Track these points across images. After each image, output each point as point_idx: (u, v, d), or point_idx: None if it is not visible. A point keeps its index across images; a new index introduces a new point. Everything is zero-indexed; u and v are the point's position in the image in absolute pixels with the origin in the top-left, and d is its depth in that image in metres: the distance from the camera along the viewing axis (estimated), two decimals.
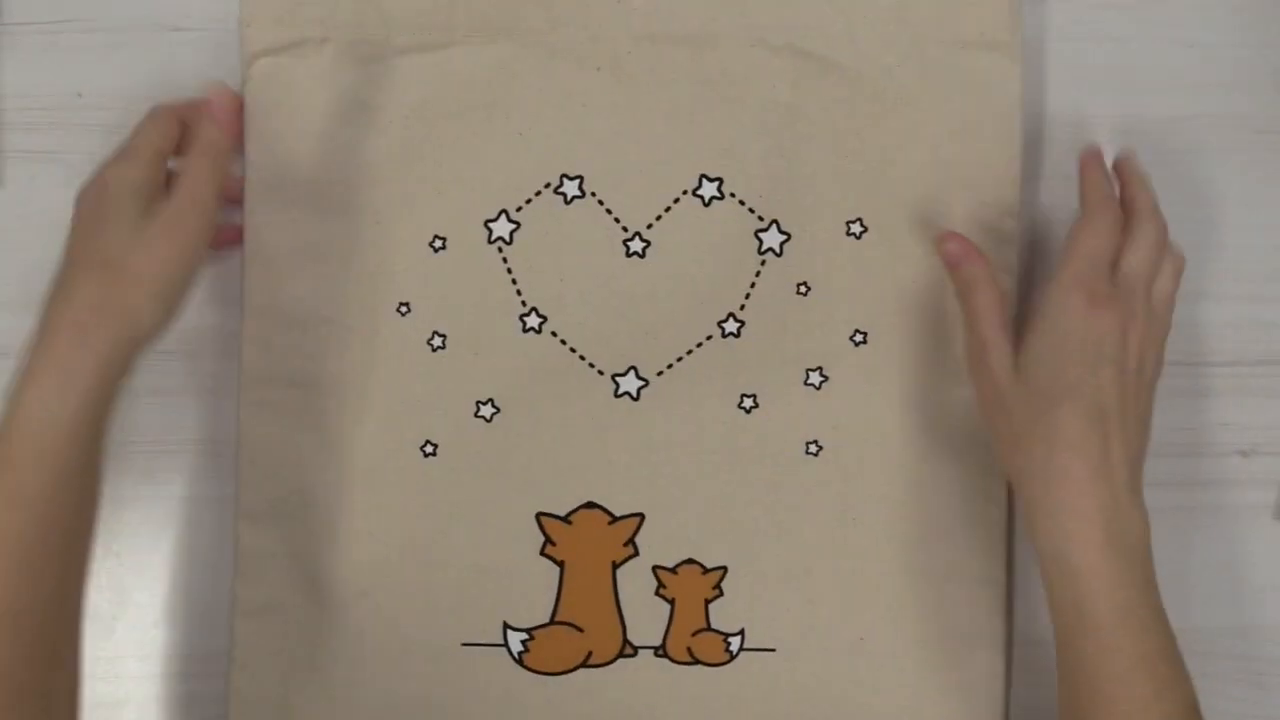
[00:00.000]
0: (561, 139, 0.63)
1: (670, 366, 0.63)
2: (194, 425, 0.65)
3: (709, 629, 0.64)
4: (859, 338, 0.63)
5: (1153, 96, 0.67)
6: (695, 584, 0.64)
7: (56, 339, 0.54)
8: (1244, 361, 0.66)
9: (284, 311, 0.63)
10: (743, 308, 0.63)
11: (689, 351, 0.63)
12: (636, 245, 0.63)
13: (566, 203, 0.63)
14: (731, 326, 0.63)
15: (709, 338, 0.63)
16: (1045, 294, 0.57)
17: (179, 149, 0.60)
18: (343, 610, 0.63)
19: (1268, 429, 0.67)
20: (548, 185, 0.63)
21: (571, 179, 0.63)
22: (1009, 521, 0.64)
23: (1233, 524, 0.66)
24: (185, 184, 0.58)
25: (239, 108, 0.61)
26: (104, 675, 0.64)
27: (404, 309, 0.63)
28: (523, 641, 0.63)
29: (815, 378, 0.63)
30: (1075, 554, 0.54)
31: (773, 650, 0.64)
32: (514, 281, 0.63)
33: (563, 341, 0.63)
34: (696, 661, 0.64)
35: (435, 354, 0.63)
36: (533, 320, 0.63)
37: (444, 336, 0.63)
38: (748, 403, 0.63)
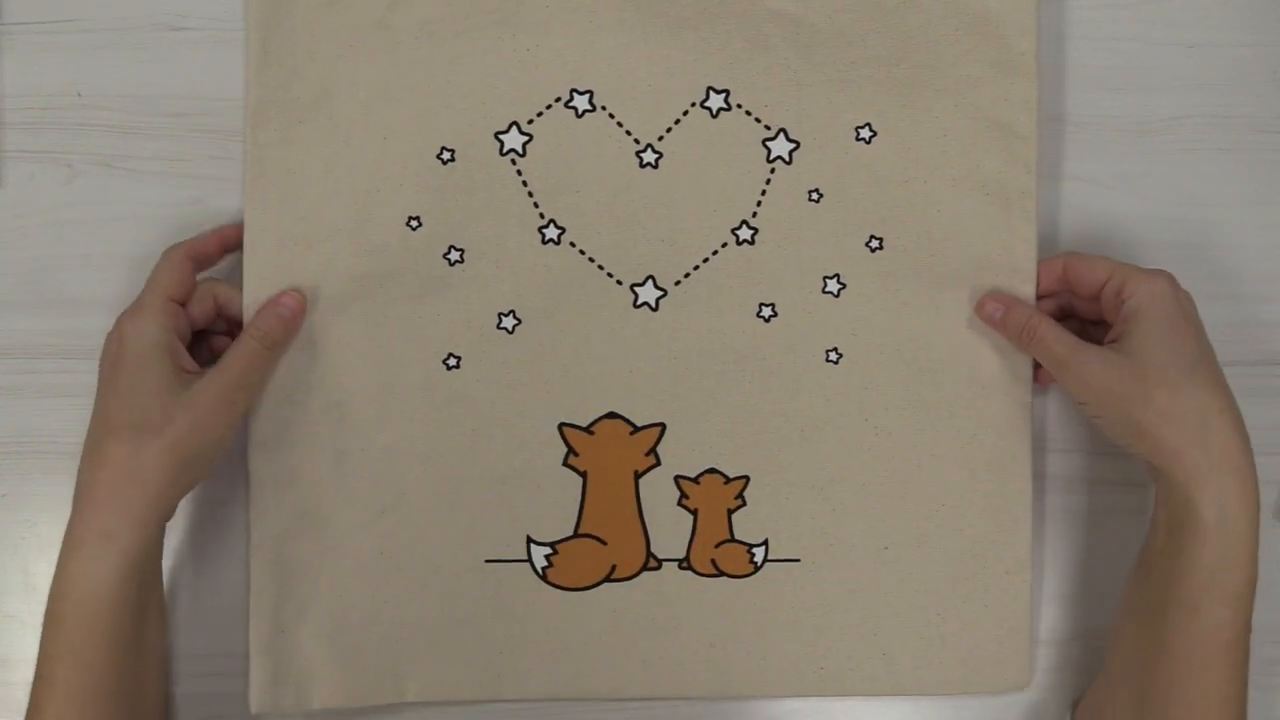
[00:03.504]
0: (570, 53, 0.63)
1: (687, 275, 0.64)
2: None
3: (732, 540, 0.64)
4: (874, 243, 0.64)
5: (1153, 96, 0.67)
6: (718, 493, 0.64)
7: (92, 502, 0.56)
8: (1244, 361, 0.66)
9: (286, 227, 0.62)
10: (755, 215, 0.64)
11: (705, 260, 0.64)
12: (649, 156, 0.63)
13: (578, 116, 0.63)
14: (745, 234, 0.63)
15: (724, 245, 0.64)
16: (1124, 290, 0.60)
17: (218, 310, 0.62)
18: (362, 531, 0.63)
19: (1268, 429, 0.67)
20: (558, 99, 0.63)
21: (581, 93, 0.63)
22: (1032, 432, 0.65)
23: None
24: (234, 362, 0.59)
25: (303, 308, 0.62)
26: None
27: (414, 223, 0.63)
28: (546, 556, 0.63)
29: (833, 285, 0.64)
30: (1242, 517, 0.56)
31: (797, 561, 0.64)
32: (530, 194, 0.63)
33: (581, 252, 0.63)
34: (720, 573, 0.64)
35: (453, 267, 0.63)
36: (551, 232, 0.63)
37: (461, 250, 0.63)
38: (766, 311, 0.64)
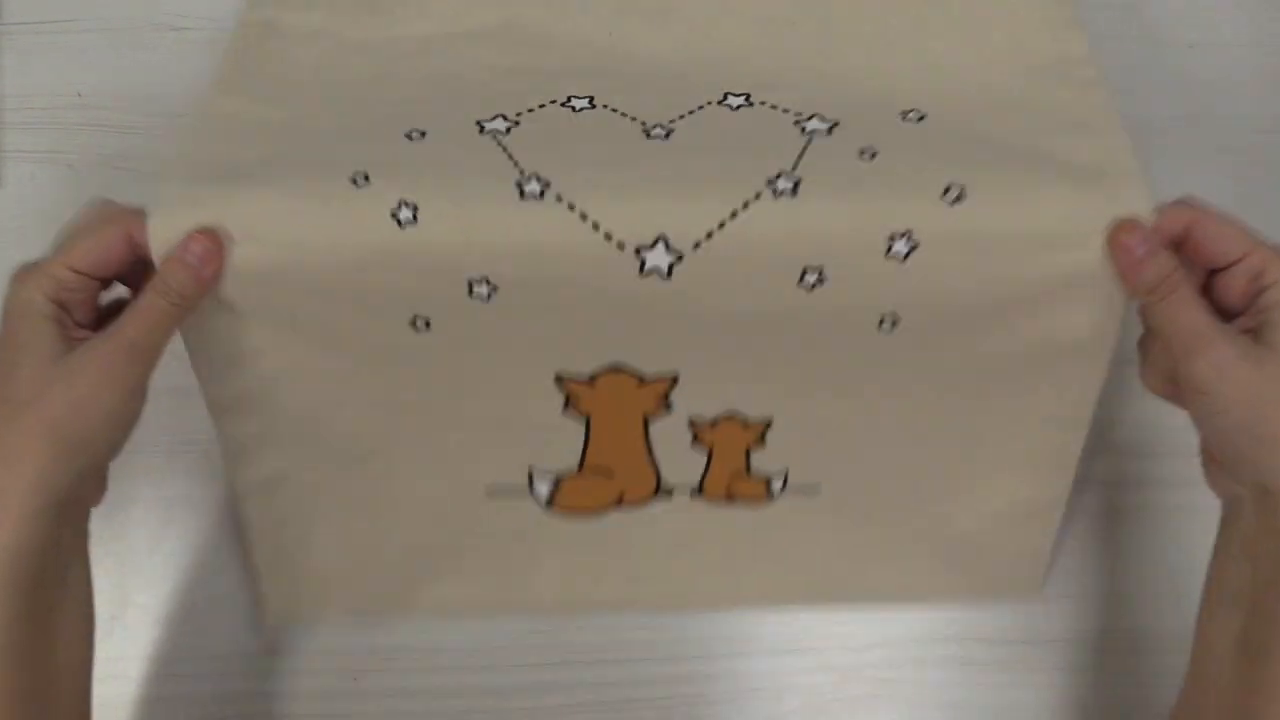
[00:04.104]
0: (566, 72, 0.57)
1: (710, 235, 0.49)
2: (193, 426, 0.65)
3: (749, 473, 0.59)
4: (954, 193, 0.49)
5: (1153, 96, 0.67)
6: (735, 436, 0.57)
7: None
8: None
9: (209, 180, 0.50)
10: (795, 167, 0.50)
11: (733, 214, 0.49)
12: (658, 132, 0.53)
13: (575, 113, 0.55)
14: (785, 185, 0.49)
15: (758, 196, 0.49)
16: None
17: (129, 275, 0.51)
18: (356, 467, 0.59)
19: None
20: (553, 102, 0.55)
21: (580, 98, 0.56)
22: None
23: None
24: (127, 325, 0.48)
25: (219, 255, 0.49)
26: (104, 675, 0.63)
27: (361, 179, 0.50)
28: (549, 489, 0.59)
29: (901, 245, 0.49)
30: None
31: (817, 487, 0.59)
32: (510, 156, 0.51)
33: (570, 207, 0.49)
34: (735, 501, 0.60)
35: (404, 229, 0.49)
36: (533, 186, 0.49)
37: (413, 207, 0.49)
38: (811, 278, 0.50)
